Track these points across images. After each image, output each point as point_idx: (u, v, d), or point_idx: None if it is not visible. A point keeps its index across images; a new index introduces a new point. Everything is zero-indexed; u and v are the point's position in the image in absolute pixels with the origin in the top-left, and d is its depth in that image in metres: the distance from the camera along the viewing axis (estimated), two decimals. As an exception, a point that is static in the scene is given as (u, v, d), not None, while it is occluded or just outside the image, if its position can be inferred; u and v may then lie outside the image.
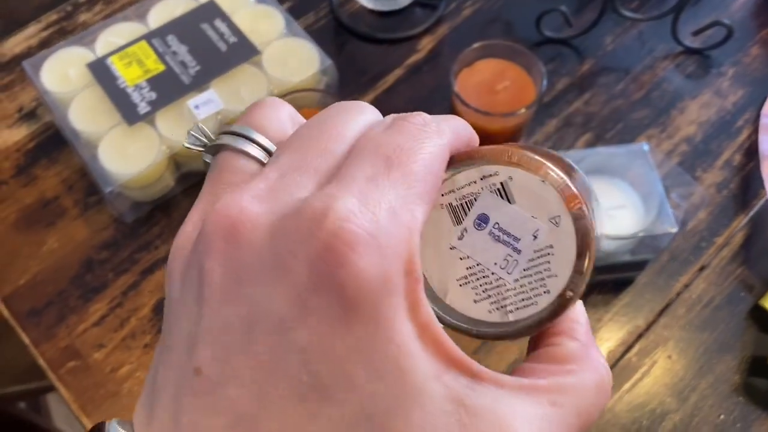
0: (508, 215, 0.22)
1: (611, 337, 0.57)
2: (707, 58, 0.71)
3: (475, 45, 0.59)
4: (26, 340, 0.57)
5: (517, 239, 0.22)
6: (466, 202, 0.23)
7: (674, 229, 0.51)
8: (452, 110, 0.61)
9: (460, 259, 0.23)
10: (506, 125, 0.59)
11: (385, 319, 0.19)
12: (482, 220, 0.23)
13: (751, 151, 0.65)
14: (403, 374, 0.18)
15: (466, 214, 0.23)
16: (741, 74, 0.70)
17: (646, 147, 0.54)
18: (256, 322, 0.19)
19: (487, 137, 0.61)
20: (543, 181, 0.22)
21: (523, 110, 0.57)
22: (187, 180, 0.64)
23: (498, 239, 0.22)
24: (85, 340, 0.57)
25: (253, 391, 0.18)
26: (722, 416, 0.54)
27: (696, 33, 0.70)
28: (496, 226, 0.23)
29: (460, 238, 0.23)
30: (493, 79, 0.60)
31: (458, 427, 0.18)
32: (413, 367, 0.19)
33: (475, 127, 0.68)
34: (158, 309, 0.58)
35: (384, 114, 0.23)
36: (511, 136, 0.61)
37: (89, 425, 0.54)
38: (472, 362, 0.20)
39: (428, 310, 0.20)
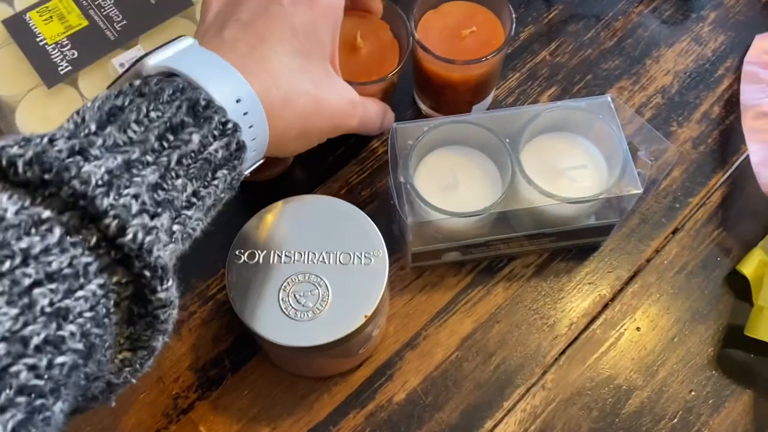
0: None
1: (574, 307, 0.52)
2: (686, 1, 0.65)
3: (436, -15, 0.53)
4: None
5: None
6: None
7: (638, 191, 0.46)
8: (414, 58, 0.54)
9: None
10: (470, 74, 0.53)
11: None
12: None
13: (732, 103, 0.59)
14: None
15: None
16: (722, 18, 0.64)
17: (609, 98, 0.49)
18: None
19: (450, 88, 0.56)
20: None
21: (486, 58, 0.50)
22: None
23: None
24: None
25: (265, 36, 0.39)
26: (693, 392, 0.49)
27: (674, -27, 0.64)
28: None
29: None
30: (459, 24, 0.54)
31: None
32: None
33: (437, 77, 0.61)
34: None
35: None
36: (476, 88, 0.55)
37: None
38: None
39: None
